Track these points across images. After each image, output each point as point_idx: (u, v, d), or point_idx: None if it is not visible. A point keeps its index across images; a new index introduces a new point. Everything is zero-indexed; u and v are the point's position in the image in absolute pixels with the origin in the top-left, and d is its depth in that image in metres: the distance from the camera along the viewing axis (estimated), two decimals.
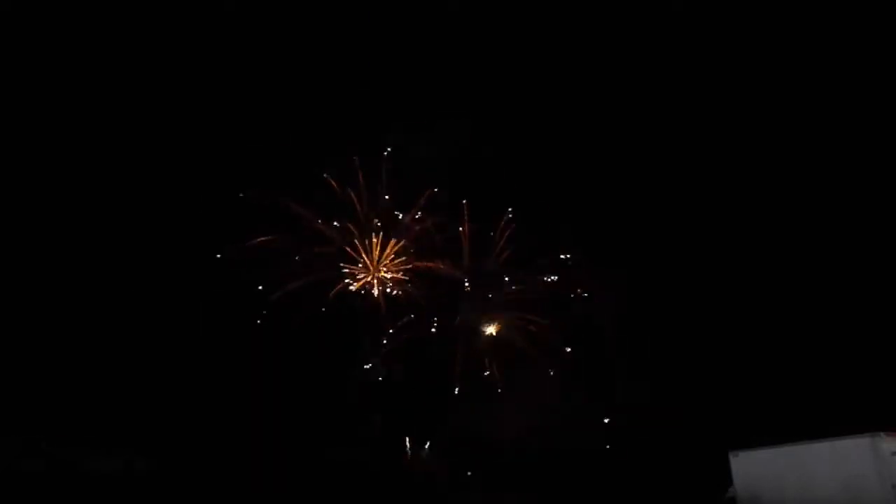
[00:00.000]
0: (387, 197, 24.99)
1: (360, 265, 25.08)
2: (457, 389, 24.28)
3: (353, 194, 24.66)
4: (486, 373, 24.60)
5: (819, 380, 18.19)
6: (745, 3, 20.54)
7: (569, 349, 24.00)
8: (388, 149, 24.65)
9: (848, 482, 11.34)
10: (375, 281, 25.16)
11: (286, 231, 24.02)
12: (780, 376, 19.45)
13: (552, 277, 24.82)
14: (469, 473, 23.23)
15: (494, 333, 25.07)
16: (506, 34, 22.40)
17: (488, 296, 25.54)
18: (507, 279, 25.41)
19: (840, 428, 11.94)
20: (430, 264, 25.11)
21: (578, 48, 22.15)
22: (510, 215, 24.98)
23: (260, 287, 23.63)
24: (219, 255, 23.06)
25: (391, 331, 24.92)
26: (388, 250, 25.07)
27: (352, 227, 24.95)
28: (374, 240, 25.00)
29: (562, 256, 24.62)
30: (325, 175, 24.34)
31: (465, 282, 25.49)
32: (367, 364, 24.47)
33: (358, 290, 25.12)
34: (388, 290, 25.27)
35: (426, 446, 23.63)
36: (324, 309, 24.33)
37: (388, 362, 24.54)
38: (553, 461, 21.87)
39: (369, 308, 25.05)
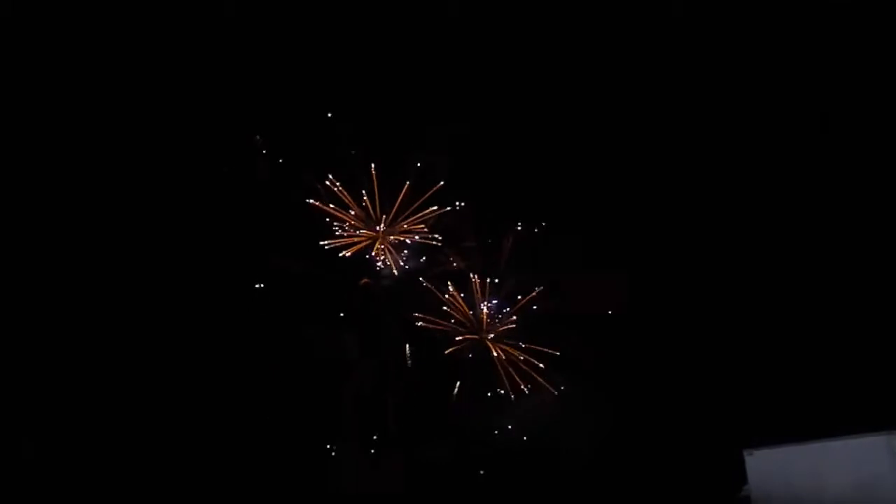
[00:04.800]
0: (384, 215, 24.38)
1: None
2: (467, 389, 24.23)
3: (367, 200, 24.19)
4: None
5: (836, 377, 18.03)
6: (745, 9, 20.42)
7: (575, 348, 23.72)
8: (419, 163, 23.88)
9: (864, 481, 11.23)
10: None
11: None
12: (795, 373, 19.29)
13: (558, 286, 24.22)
14: (482, 472, 23.19)
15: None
16: (506, 37, 22.31)
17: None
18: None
19: (857, 426, 11.84)
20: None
21: (579, 52, 22.07)
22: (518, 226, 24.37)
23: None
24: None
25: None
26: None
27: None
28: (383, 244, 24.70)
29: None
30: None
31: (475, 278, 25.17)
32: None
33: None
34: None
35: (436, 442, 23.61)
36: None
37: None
38: (564, 460, 21.84)
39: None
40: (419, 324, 24.15)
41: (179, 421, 20.40)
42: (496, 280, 24.57)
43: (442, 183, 23.90)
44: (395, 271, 24.61)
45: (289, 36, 22.00)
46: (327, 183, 23.89)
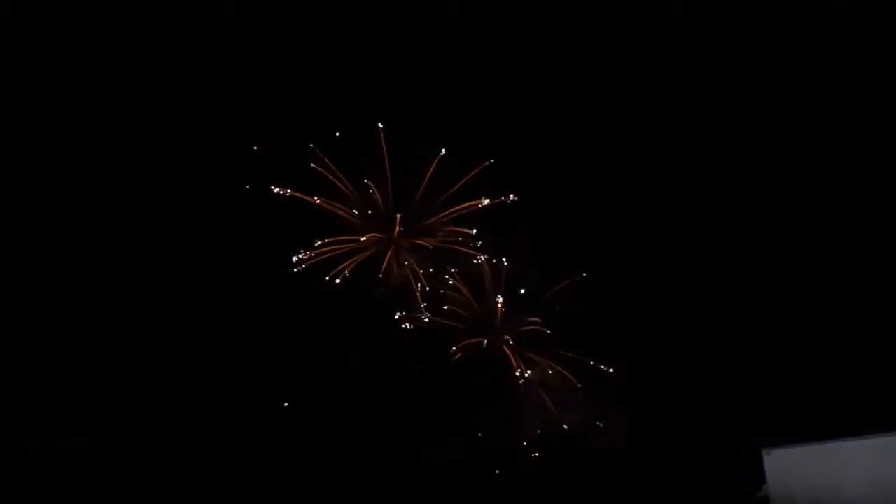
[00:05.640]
0: (399, 216, 23.49)
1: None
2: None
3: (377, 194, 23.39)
4: (518, 372, 23.88)
5: (856, 376, 17.82)
6: (745, 9, 20.27)
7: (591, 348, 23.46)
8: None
9: (885, 481, 11.00)
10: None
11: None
12: (814, 372, 19.09)
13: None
14: (497, 472, 23.13)
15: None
16: (514, 39, 22.18)
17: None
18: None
19: (878, 425, 11.65)
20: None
21: (585, 53, 21.92)
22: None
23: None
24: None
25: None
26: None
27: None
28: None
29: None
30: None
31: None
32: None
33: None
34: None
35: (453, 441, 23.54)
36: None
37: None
38: (579, 461, 21.75)
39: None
40: (406, 325, 23.32)
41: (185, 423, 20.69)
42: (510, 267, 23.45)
43: (491, 161, 22.23)
44: (416, 285, 23.42)
45: (293, 29, 21.94)
46: (315, 166, 22.48)
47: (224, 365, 21.64)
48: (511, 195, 22.99)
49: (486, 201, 23.03)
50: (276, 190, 22.52)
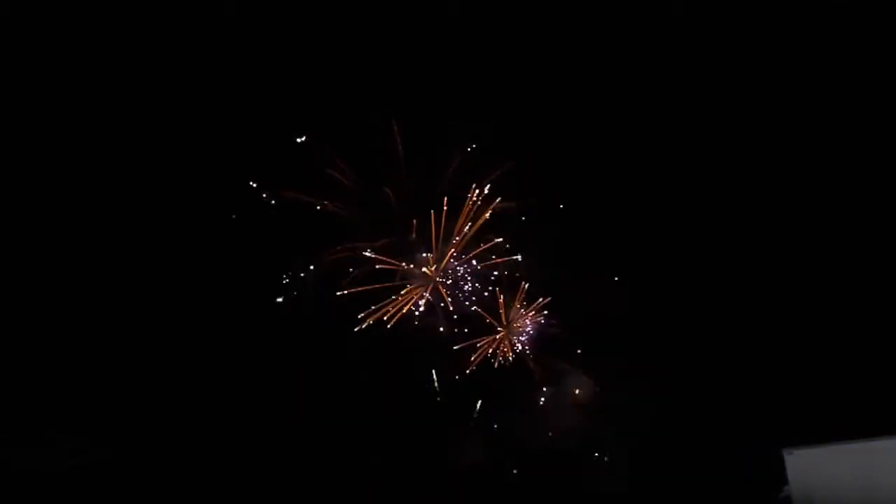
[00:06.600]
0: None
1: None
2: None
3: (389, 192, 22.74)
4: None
5: (880, 375, 17.72)
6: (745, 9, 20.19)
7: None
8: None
9: None
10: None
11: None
12: (837, 370, 18.99)
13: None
14: (515, 472, 23.25)
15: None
16: (526, 36, 22.13)
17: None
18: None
19: None
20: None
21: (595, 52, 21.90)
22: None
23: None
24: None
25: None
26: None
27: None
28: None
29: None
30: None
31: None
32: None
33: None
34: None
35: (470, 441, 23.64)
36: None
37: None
38: (599, 460, 21.81)
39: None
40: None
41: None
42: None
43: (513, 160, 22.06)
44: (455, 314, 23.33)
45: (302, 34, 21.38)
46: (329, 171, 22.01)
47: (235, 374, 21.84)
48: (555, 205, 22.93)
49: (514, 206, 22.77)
50: (264, 195, 22.06)
